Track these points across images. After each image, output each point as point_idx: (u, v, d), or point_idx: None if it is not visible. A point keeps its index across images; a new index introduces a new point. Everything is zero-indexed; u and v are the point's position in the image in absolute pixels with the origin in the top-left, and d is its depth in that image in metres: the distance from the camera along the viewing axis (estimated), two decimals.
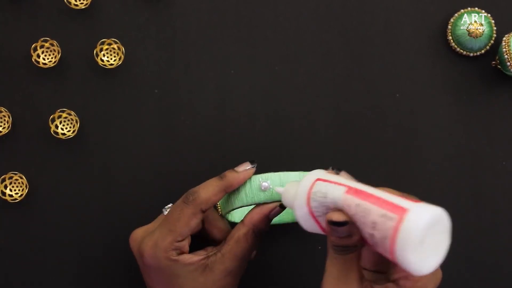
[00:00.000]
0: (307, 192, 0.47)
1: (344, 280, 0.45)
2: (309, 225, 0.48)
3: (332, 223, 0.44)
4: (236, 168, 0.54)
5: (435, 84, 0.65)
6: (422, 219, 0.40)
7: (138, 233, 0.55)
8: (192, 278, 0.52)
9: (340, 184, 0.46)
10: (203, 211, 0.53)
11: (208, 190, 0.53)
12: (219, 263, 0.52)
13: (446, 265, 0.65)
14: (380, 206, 0.42)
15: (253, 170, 0.54)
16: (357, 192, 0.44)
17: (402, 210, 0.41)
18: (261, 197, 0.54)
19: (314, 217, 0.47)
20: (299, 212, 0.48)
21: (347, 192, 0.45)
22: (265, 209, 0.54)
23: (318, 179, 0.47)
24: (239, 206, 0.55)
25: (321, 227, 0.47)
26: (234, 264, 0.53)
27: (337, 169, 0.52)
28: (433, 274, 0.44)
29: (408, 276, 0.45)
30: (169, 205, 0.56)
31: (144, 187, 0.64)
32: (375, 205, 0.43)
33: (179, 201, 0.53)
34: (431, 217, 0.40)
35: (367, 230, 0.43)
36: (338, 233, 0.44)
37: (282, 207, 0.54)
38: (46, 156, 0.65)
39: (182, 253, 0.53)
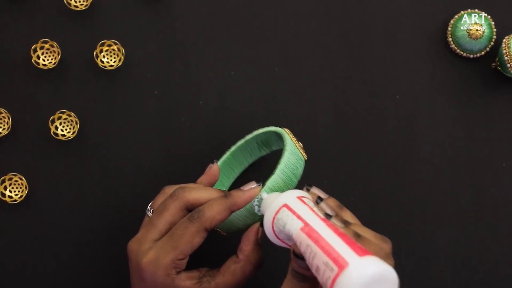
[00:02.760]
0: (272, 216, 0.49)
1: None
2: (275, 241, 0.50)
3: (294, 254, 0.46)
4: (242, 187, 0.53)
5: (435, 85, 0.65)
6: (358, 277, 0.40)
7: (134, 245, 0.54)
8: None
9: (299, 218, 0.47)
10: (207, 230, 0.52)
11: (213, 208, 0.52)
12: None
13: (446, 265, 0.65)
14: (325, 253, 0.43)
15: (259, 188, 0.53)
16: (310, 232, 0.45)
17: (343, 264, 0.41)
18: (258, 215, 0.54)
19: (278, 237, 0.50)
20: (266, 230, 0.50)
21: (302, 229, 0.46)
22: (252, 235, 0.53)
23: (285, 205, 0.49)
24: (242, 225, 0.54)
25: (286, 244, 0.50)
26: None
27: (308, 185, 0.53)
28: None
29: None
30: (150, 204, 0.56)
31: (143, 188, 0.64)
32: (321, 251, 0.43)
33: (184, 218, 0.52)
34: (370, 275, 0.40)
35: (312, 271, 0.44)
36: (298, 263, 0.46)
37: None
38: (46, 157, 0.64)
39: (180, 271, 0.52)
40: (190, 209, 0.53)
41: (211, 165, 0.58)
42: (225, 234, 0.55)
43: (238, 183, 0.63)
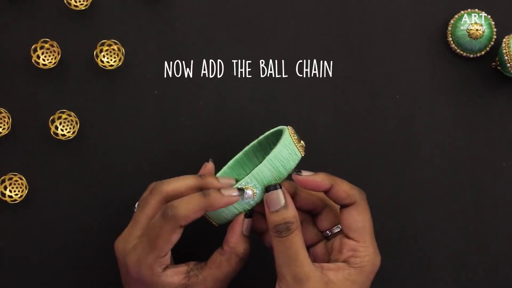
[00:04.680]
0: None
1: (291, 263, 0.49)
2: None
3: (266, 190, 0.51)
4: (222, 190, 0.52)
5: (435, 85, 0.65)
6: None
7: (120, 243, 0.54)
8: None
9: None
10: (183, 226, 0.51)
11: (188, 207, 0.51)
12: (200, 285, 0.52)
13: (446, 265, 0.65)
14: None
15: (238, 198, 0.51)
16: None
17: None
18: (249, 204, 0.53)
19: None
20: None
21: None
22: (236, 226, 0.53)
23: None
24: (229, 215, 0.54)
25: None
26: (215, 287, 0.52)
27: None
28: (376, 254, 0.52)
29: (355, 254, 0.51)
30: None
31: (143, 188, 0.64)
32: None
33: (158, 216, 0.52)
34: None
35: None
36: (272, 203, 0.51)
37: (249, 216, 0.53)
38: (46, 157, 0.64)
39: (166, 267, 0.52)
40: (170, 200, 0.53)
41: (206, 163, 0.58)
42: (216, 224, 0.55)
43: None
